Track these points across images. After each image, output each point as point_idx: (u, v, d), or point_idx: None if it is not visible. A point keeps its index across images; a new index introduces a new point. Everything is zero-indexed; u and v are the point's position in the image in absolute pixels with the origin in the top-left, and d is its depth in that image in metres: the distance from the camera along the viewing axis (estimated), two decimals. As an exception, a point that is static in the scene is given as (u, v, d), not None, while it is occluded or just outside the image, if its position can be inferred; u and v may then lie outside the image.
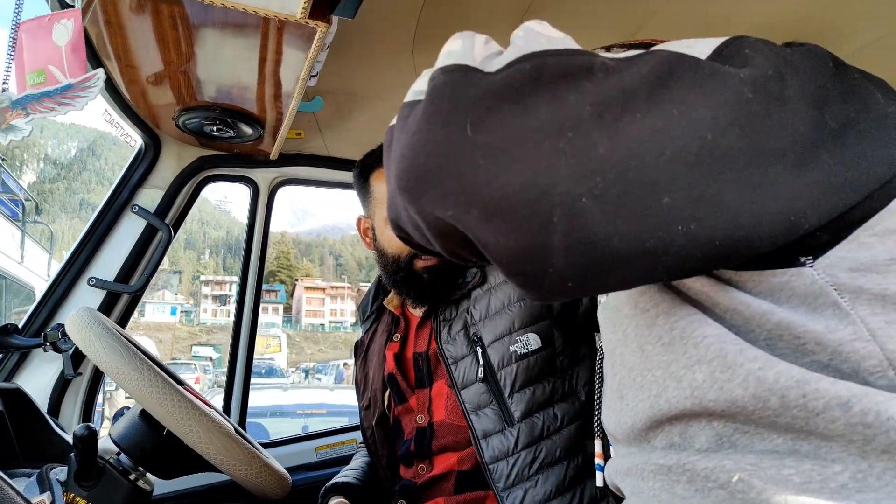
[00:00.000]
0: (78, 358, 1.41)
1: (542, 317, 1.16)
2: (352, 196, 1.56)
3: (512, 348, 1.13)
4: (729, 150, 0.41)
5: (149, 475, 1.03)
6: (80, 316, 0.96)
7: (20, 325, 1.37)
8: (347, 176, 1.48)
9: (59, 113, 0.82)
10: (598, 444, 0.74)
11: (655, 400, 0.52)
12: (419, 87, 0.52)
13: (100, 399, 1.54)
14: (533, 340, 1.14)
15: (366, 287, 1.59)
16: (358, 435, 1.81)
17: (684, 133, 0.40)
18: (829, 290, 0.44)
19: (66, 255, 1.48)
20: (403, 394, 1.25)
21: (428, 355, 1.23)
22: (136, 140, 1.52)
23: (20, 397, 1.24)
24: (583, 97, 0.42)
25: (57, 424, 1.29)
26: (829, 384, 0.42)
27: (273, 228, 1.83)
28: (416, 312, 1.31)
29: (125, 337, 1.03)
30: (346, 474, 1.33)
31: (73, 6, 0.86)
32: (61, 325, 1.33)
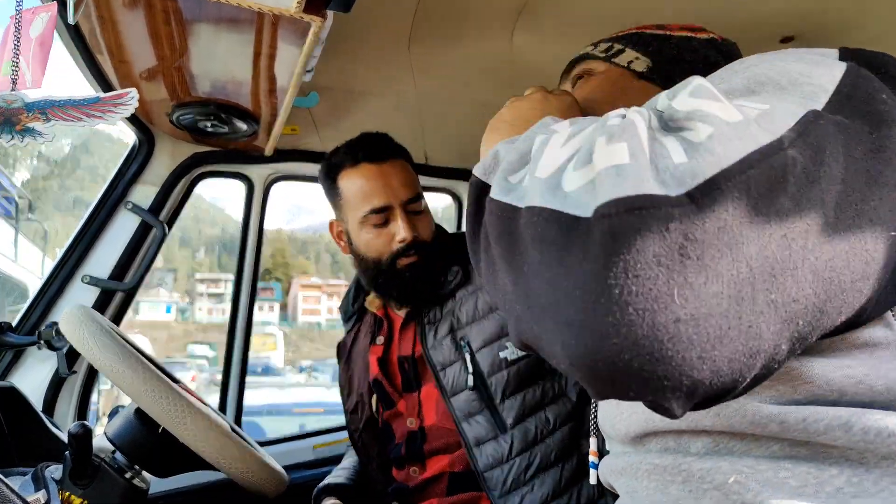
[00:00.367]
0: (72, 356, 1.40)
1: None
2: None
3: (502, 354, 1.11)
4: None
5: (144, 473, 1.03)
6: (74, 314, 0.95)
7: (14, 324, 1.36)
8: (343, 172, 1.47)
9: (87, 124, 0.81)
10: (592, 441, 0.74)
11: (650, 415, 0.51)
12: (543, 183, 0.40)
13: (94, 397, 1.53)
14: None
15: (362, 284, 1.57)
16: (355, 433, 1.80)
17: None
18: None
19: (60, 252, 1.47)
20: (391, 398, 1.23)
21: (414, 359, 1.20)
22: (129, 136, 1.51)
23: (14, 396, 1.23)
24: (787, 219, 0.35)
25: (52, 423, 1.28)
26: (828, 407, 0.42)
27: (268, 225, 1.82)
28: (400, 313, 1.27)
29: (119, 335, 1.03)
30: (338, 474, 1.32)
31: (64, 4, 0.85)
32: (55, 323, 1.32)
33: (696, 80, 0.42)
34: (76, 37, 1.10)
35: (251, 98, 1.28)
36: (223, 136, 1.44)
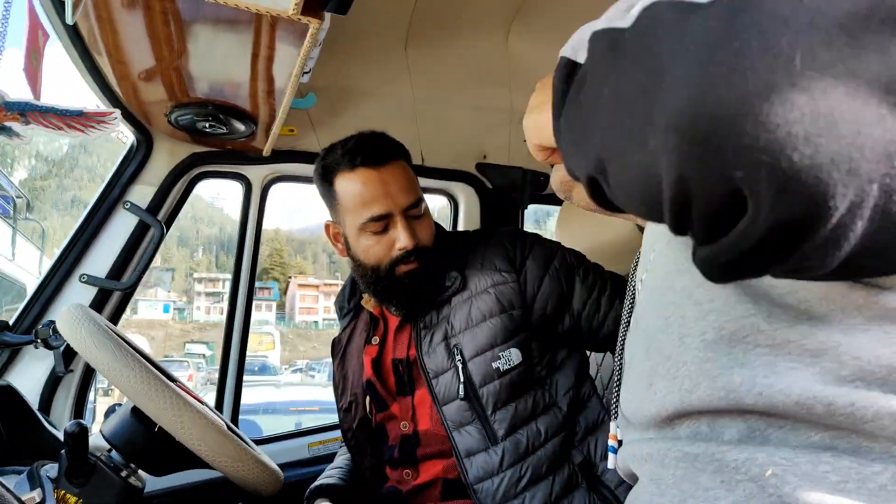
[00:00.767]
0: (69, 355, 1.40)
1: (520, 329, 1.13)
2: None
3: (495, 364, 1.10)
4: None
5: (140, 472, 1.03)
6: (71, 313, 0.95)
7: (11, 322, 1.36)
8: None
9: (67, 135, 0.81)
10: (612, 425, 0.73)
11: (686, 395, 0.49)
12: None
13: (91, 396, 1.53)
14: (515, 356, 1.11)
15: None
16: (351, 432, 1.81)
17: None
18: None
19: (58, 251, 1.47)
20: (384, 401, 1.22)
21: (409, 362, 1.18)
22: (127, 136, 1.51)
23: (11, 394, 1.23)
24: None
25: (48, 421, 1.29)
26: (880, 394, 0.40)
27: (266, 225, 1.83)
28: (396, 314, 1.25)
29: (117, 334, 1.03)
30: (330, 474, 1.30)
31: (63, 4, 0.86)
32: (52, 322, 1.33)
33: None
34: (75, 37, 1.10)
35: (249, 99, 1.28)
36: (221, 136, 1.45)
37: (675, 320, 0.51)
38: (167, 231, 1.56)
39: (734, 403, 0.46)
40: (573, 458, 1.11)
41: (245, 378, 1.78)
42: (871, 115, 0.29)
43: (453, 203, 2.06)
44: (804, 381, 0.42)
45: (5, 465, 1.07)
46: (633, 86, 0.35)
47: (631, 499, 0.59)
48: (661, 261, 0.56)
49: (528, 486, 1.07)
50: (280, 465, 1.12)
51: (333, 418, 1.61)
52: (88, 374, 1.49)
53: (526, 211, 2.06)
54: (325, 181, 1.17)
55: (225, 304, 1.89)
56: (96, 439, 1.02)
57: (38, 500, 0.87)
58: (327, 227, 1.25)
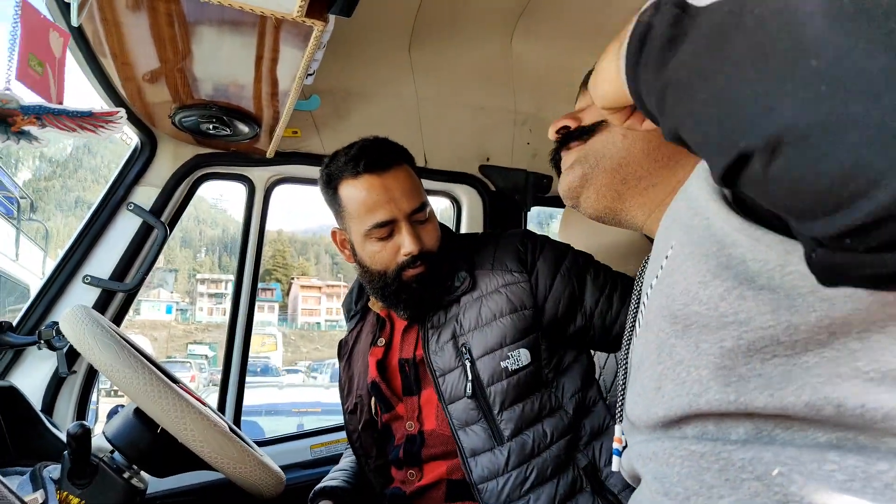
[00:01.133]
0: (72, 356, 1.40)
1: (530, 329, 1.13)
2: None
3: (503, 364, 1.09)
4: None
5: (143, 473, 1.03)
6: (74, 314, 0.95)
7: (14, 323, 1.36)
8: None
9: (80, 136, 0.81)
10: (617, 428, 0.73)
11: (694, 399, 0.49)
12: None
13: (94, 397, 1.53)
14: (524, 356, 1.11)
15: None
16: (353, 433, 1.81)
17: None
18: None
19: (61, 252, 1.48)
20: (389, 402, 1.21)
21: (415, 362, 1.18)
22: (132, 138, 1.52)
23: (14, 395, 1.23)
24: None
25: (51, 422, 1.29)
26: (890, 396, 0.40)
27: (269, 227, 1.83)
28: (403, 317, 1.24)
29: (120, 335, 1.03)
30: (334, 476, 1.30)
31: (68, 6, 0.86)
32: (56, 323, 1.33)
33: None
34: (80, 39, 1.11)
35: (253, 101, 1.28)
36: (225, 138, 1.45)
37: (696, 329, 0.51)
38: (170, 232, 1.56)
39: (743, 406, 0.46)
40: (578, 462, 1.11)
41: (247, 379, 1.78)
42: None
43: (456, 205, 2.06)
44: (815, 384, 0.42)
45: (8, 466, 1.08)
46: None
47: (635, 497, 0.59)
48: (680, 270, 0.55)
49: (532, 488, 1.06)
50: (282, 467, 1.12)
51: (336, 420, 1.61)
52: (91, 375, 1.49)
53: (529, 213, 2.06)
54: (330, 188, 1.18)
55: (227, 306, 1.89)
56: (99, 441, 1.02)
57: (40, 501, 0.87)
58: (334, 234, 1.26)
